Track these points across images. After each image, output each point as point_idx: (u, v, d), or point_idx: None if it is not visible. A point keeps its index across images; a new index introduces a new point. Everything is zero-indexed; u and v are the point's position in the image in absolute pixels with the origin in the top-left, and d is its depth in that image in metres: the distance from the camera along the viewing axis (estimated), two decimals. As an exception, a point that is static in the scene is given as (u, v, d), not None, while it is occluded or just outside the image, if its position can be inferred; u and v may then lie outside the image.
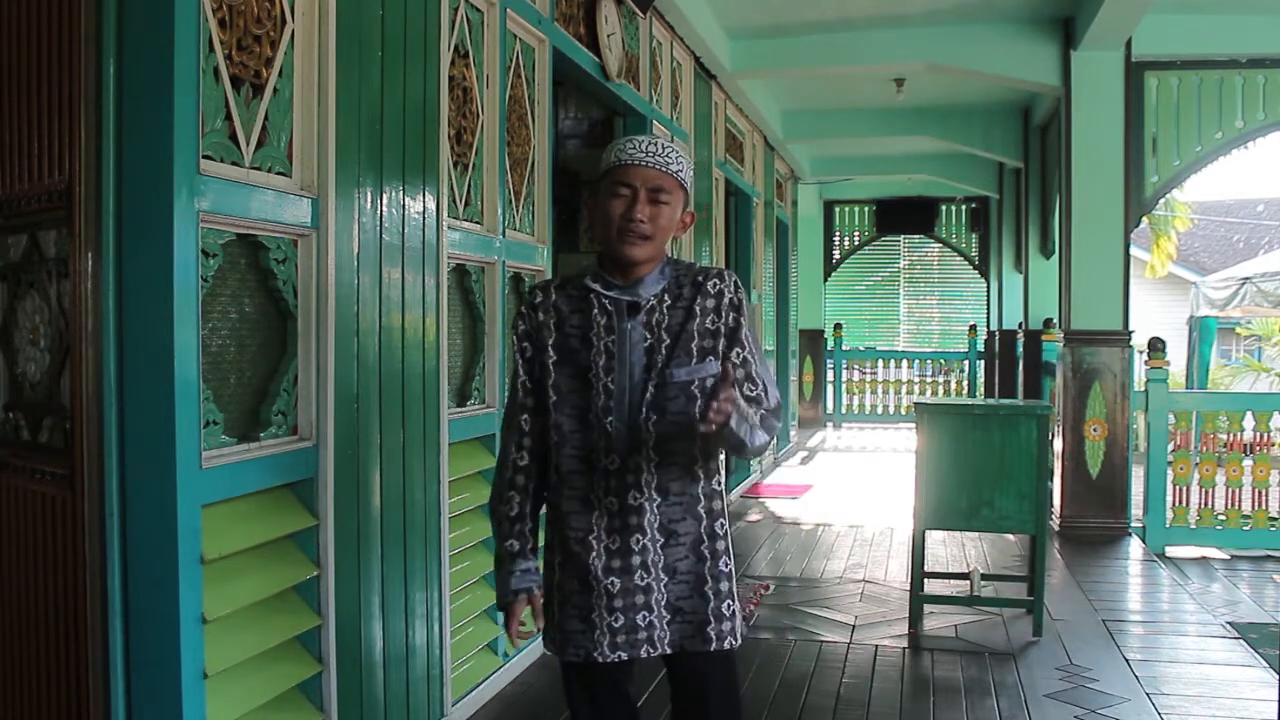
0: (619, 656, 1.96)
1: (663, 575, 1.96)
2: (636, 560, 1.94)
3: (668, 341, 1.94)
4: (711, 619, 1.98)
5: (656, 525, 1.95)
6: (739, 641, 2.02)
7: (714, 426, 1.79)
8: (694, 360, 1.94)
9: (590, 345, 1.96)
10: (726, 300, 1.97)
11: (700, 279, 1.98)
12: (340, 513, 2.59)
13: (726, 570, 2.00)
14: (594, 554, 1.95)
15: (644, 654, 1.97)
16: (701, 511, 1.99)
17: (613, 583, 1.94)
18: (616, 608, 1.94)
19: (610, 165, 1.96)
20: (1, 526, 2.31)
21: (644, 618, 1.95)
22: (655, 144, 1.96)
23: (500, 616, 3.59)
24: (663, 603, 1.96)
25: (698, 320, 1.95)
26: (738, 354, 1.97)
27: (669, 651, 1.98)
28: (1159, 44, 6.37)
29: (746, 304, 2.02)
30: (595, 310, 1.97)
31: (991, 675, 3.78)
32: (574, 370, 1.97)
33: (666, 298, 1.97)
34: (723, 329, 1.96)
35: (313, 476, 2.52)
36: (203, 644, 2.13)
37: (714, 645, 1.98)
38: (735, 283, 2.00)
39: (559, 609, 2.01)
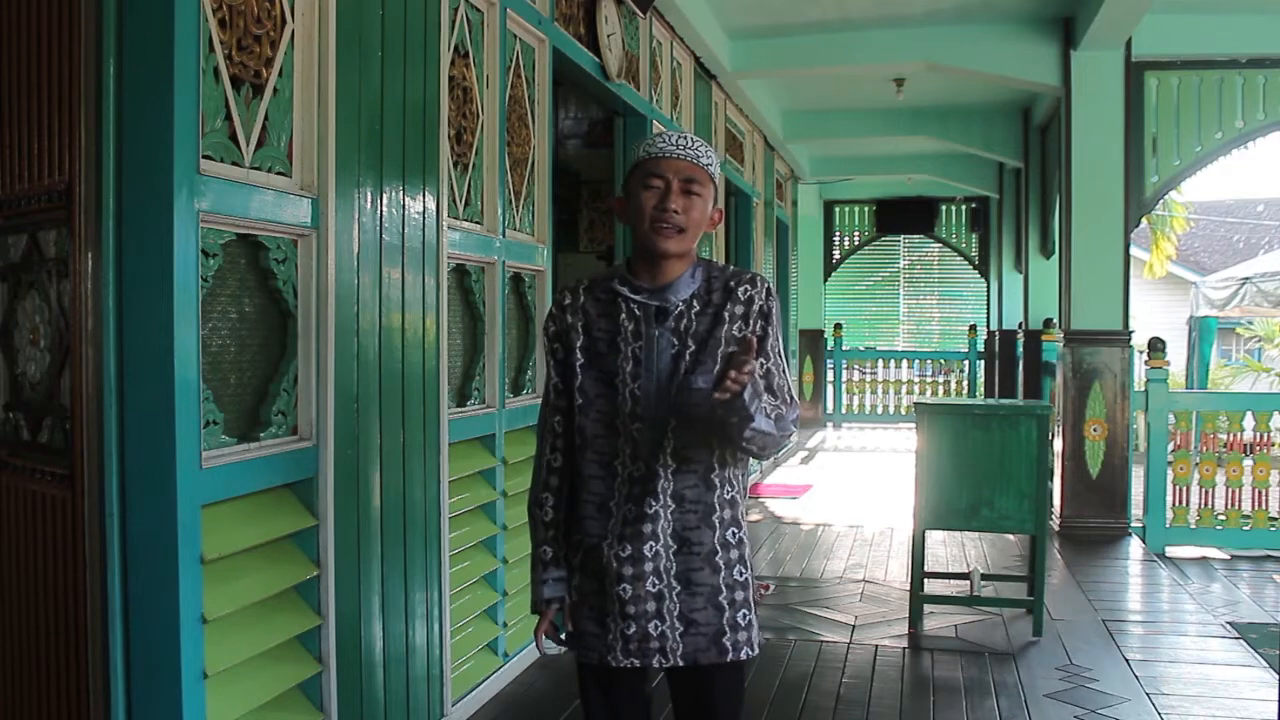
0: (631, 663, 1.94)
1: (675, 584, 1.92)
2: (649, 567, 1.91)
3: (693, 348, 1.90)
4: (726, 629, 1.94)
5: (670, 533, 1.92)
6: (756, 651, 1.99)
7: (729, 395, 1.75)
8: (718, 367, 1.88)
9: (617, 351, 1.93)
10: (756, 308, 1.93)
11: (732, 284, 1.94)
12: (340, 513, 2.59)
13: (742, 579, 1.96)
14: (607, 559, 1.92)
15: (656, 663, 1.94)
16: (716, 521, 1.95)
17: (624, 589, 1.91)
18: (629, 614, 1.92)
19: (640, 159, 1.93)
20: (2, 526, 2.31)
21: (656, 627, 1.92)
22: (685, 137, 1.94)
23: (501, 616, 3.61)
24: (675, 613, 1.92)
25: (726, 327, 1.91)
26: (761, 365, 1.92)
27: (681, 664, 1.94)
28: (1159, 44, 6.38)
29: (777, 312, 1.97)
30: (623, 315, 1.93)
31: (991, 675, 3.78)
32: (600, 374, 1.94)
33: (696, 303, 1.93)
34: (750, 336, 1.93)
35: (313, 476, 2.52)
36: (203, 644, 2.13)
37: (730, 656, 1.94)
38: (768, 289, 1.96)
39: (576, 610, 2.00)
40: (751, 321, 1.93)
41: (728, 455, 1.96)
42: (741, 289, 1.94)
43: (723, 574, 1.95)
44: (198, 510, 2.13)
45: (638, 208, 1.92)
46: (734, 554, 1.96)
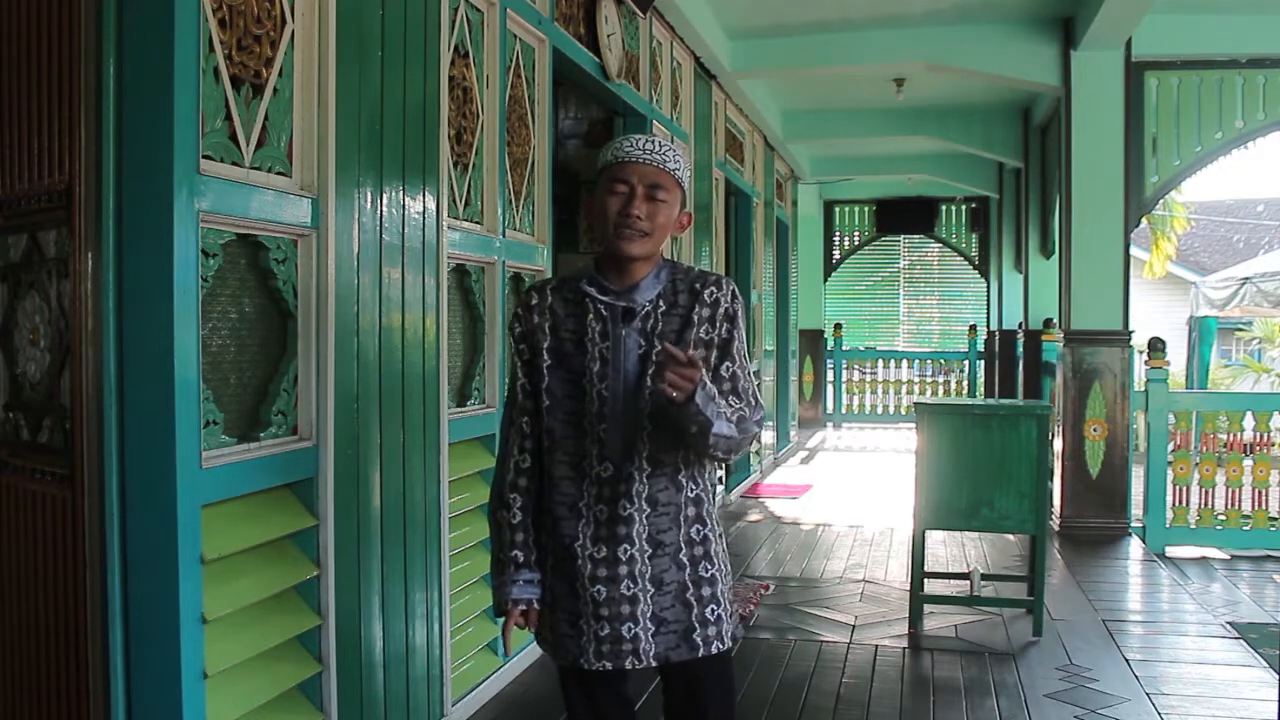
0: (604, 665, 1.95)
1: (649, 586, 1.94)
2: (624, 570, 1.93)
3: (659, 349, 1.92)
4: (696, 625, 1.96)
5: (645, 536, 1.93)
6: (728, 643, 2.00)
7: (675, 394, 1.75)
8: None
9: (585, 351, 1.94)
10: (722, 310, 1.94)
11: (698, 286, 1.95)
12: (340, 513, 2.59)
13: (708, 575, 1.98)
14: (580, 561, 1.93)
15: (628, 665, 1.95)
16: (681, 519, 1.97)
17: (599, 590, 1.93)
18: (603, 616, 1.93)
19: (607, 162, 1.95)
20: (2, 526, 2.31)
21: (629, 629, 1.93)
22: (652, 141, 1.95)
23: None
24: (648, 614, 1.94)
25: (694, 330, 1.93)
26: (727, 368, 1.95)
27: (653, 664, 1.96)
28: (1159, 44, 6.38)
29: (742, 315, 1.99)
30: (590, 315, 1.95)
31: (991, 675, 3.78)
32: (568, 375, 1.96)
33: (662, 304, 1.94)
34: (716, 339, 1.94)
35: (313, 476, 2.52)
36: (203, 644, 2.13)
37: (701, 651, 1.96)
38: (733, 292, 1.97)
39: (550, 612, 2.00)
40: (718, 324, 1.94)
41: (692, 456, 1.97)
42: (708, 291, 1.95)
43: (688, 570, 1.96)
44: (198, 510, 2.13)
45: (603, 211, 1.93)
46: (698, 550, 1.98)
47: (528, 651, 3.81)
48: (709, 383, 1.82)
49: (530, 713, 3.43)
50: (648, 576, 1.94)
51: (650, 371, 1.91)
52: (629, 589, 1.93)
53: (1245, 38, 6.36)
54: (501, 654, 3.63)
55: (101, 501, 2.08)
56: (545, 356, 1.97)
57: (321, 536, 2.52)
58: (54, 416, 2.22)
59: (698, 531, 1.98)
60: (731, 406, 1.90)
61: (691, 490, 1.98)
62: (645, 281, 1.95)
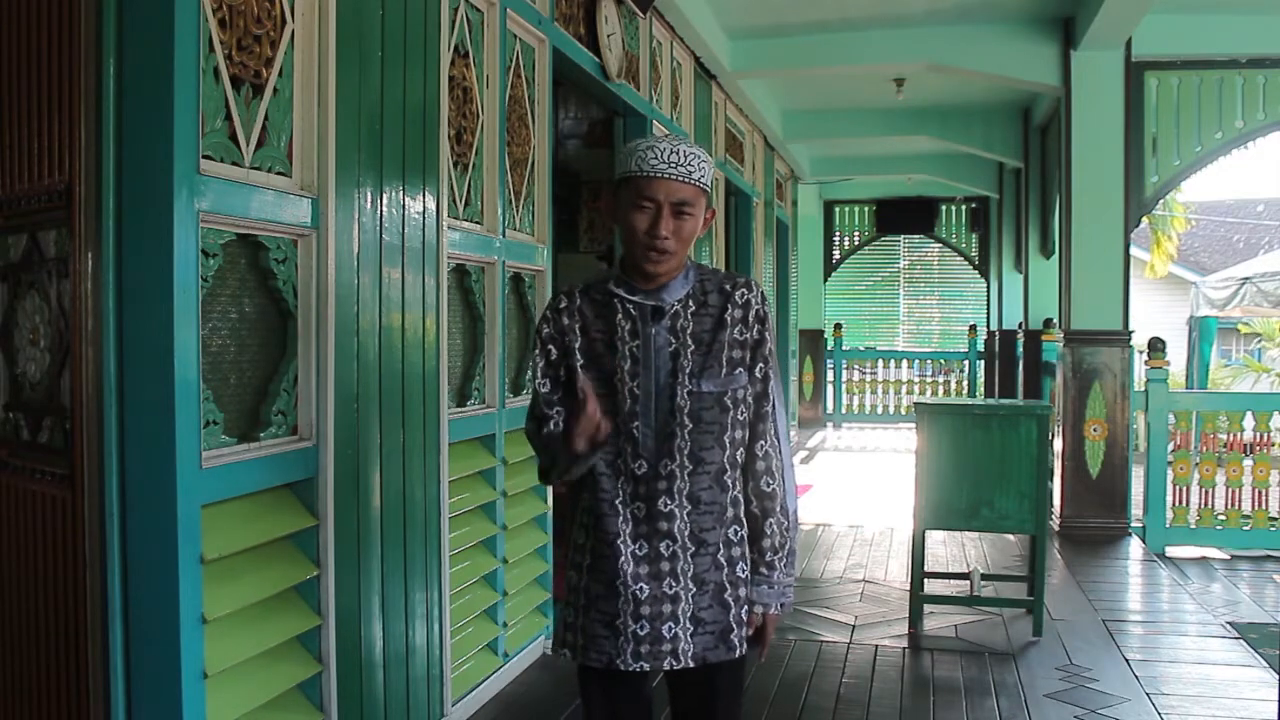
0: (640, 667, 1.94)
1: (691, 585, 1.94)
2: (665, 567, 1.93)
3: (692, 347, 1.94)
4: (733, 625, 1.97)
5: (687, 534, 1.94)
6: (746, 644, 2.02)
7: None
8: (724, 371, 1.94)
9: (615, 350, 1.95)
10: (753, 312, 1.97)
11: (728, 287, 1.98)
12: (340, 513, 2.59)
13: (743, 575, 1.99)
14: (623, 559, 1.93)
15: (666, 665, 1.94)
16: (725, 518, 1.97)
17: (641, 589, 1.92)
18: (643, 615, 1.92)
19: (631, 173, 1.90)
20: (2, 526, 2.31)
21: (669, 629, 1.93)
22: (678, 152, 1.90)
23: (501, 616, 3.61)
24: (688, 614, 1.94)
25: (728, 331, 1.95)
26: (760, 370, 1.98)
27: (691, 665, 1.95)
28: (1159, 44, 6.38)
29: (771, 316, 2.02)
30: (619, 315, 1.96)
31: (991, 675, 3.78)
32: (599, 375, 1.96)
33: (691, 303, 1.96)
34: (749, 340, 1.97)
35: (313, 476, 2.52)
36: (203, 644, 2.13)
37: (736, 652, 1.97)
38: (762, 294, 2.00)
39: (583, 612, 1.98)
40: (750, 325, 1.98)
41: (738, 456, 1.99)
42: (739, 293, 1.98)
43: (725, 571, 1.97)
44: (198, 510, 2.13)
45: (629, 227, 1.92)
46: (736, 551, 1.99)
47: (528, 651, 3.81)
48: (770, 622, 2.02)
49: (530, 713, 3.43)
50: (689, 575, 1.94)
51: (690, 373, 1.94)
52: (670, 587, 1.93)
53: (1245, 38, 6.37)
54: (502, 654, 3.63)
55: (101, 501, 2.08)
56: (578, 356, 1.98)
57: (321, 536, 2.52)
58: (54, 416, 2.22)
59: (735, 532, 1.99)
60: (771, 540, 2.02)
61: (736, 488, 2.00)
62: (674, 282, 1.97)
